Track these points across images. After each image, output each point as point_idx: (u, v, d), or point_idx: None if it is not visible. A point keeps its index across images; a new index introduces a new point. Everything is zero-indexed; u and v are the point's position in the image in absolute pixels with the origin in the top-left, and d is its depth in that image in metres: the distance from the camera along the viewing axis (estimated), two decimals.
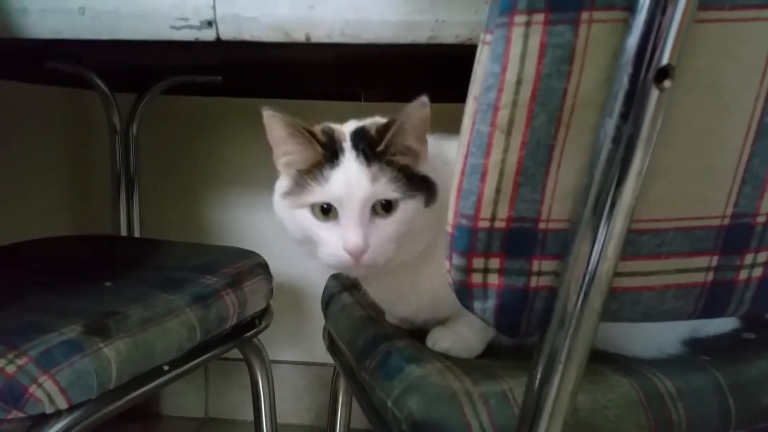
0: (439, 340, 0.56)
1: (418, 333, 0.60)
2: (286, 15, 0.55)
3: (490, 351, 0.57)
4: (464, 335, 0.56)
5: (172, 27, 0.56)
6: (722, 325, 0.62)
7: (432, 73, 0.89)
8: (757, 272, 0.39)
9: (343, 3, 0.55)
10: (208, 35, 0.56)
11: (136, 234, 1.22)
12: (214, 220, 1.40)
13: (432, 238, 0.52)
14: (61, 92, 1.34)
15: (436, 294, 0.54)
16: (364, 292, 0.65)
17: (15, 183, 1.23)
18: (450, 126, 0.37)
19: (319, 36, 0.56)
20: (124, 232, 1.20)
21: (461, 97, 0.37)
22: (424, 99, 0.50)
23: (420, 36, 0.56)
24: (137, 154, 1.20)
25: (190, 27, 0.56)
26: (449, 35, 0.56)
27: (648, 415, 0.47)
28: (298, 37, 0.56)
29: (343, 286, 0.76)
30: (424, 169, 0.52)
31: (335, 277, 0.81)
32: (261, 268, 0.87)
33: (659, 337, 0.56)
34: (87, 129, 1.39)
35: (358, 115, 0.58)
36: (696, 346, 0.57)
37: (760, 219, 0.38)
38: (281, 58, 0.76)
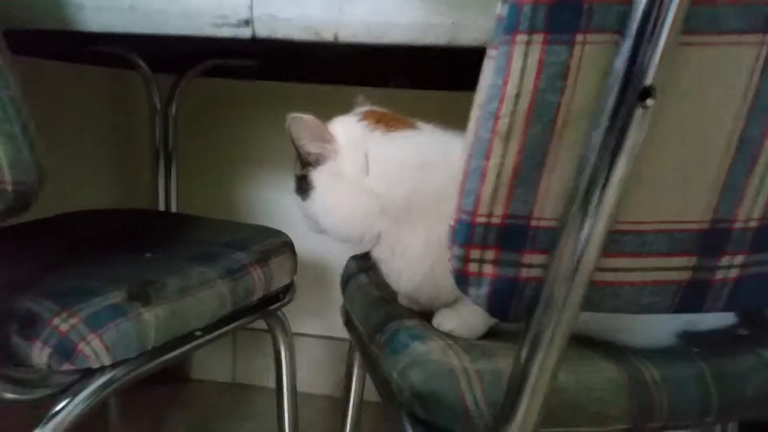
0: (444, 321, 0.59)
1: (427, 315, 0.63)
2: (318, 17, 0.59)
3: (492, 333, 0.60)
4: (467, 317, 0.58)
5: (213, 24, 0.60)
6: (718, 320, 0.64)
7: (456, 62, 0.91)
8: (734, 273, 0.42)
9: (368, 6, 0.58)
10: (245, 33, 0.60)
11: (173, 209, 1.26)
12: (244, 198, 1.44)
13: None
14: (106, 72, 1.39)
15: (433, 269, 0.58)
16: (378, 272, 0.69)
17: (60, 158, 1.28)
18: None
19: (346, 36, 0.59)
20: (161, 207, 1.25)
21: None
22: (291, 115, 0.61)
23: (440, 38, 0.59)
24: (175, 134, 1.24)
25: (229, 25, 0.60)
26: (467, 38, 0.59)
27: (632, 399, 0.51)
28: (327, 36, 0.59)
29: (361, 268, 0.80)
30: (323, 167, 0.61)
31: (354, 258, 0.85)
32: (286, 246, 0.91)
33: (656, 330, 0.59)
34: (129, 108, 1.44)
35: (385, 101, 0.63)
36: (689, 339, 0.59)
37: (738, 225, 0.41)
38: (312, 48, 0.80)
